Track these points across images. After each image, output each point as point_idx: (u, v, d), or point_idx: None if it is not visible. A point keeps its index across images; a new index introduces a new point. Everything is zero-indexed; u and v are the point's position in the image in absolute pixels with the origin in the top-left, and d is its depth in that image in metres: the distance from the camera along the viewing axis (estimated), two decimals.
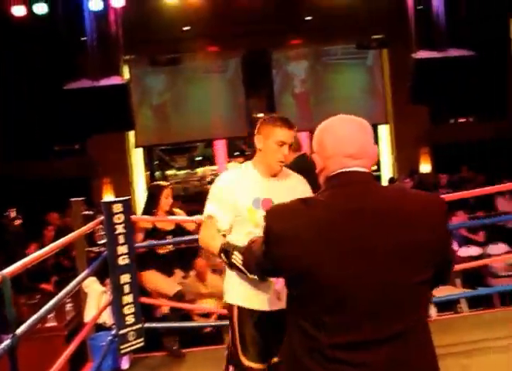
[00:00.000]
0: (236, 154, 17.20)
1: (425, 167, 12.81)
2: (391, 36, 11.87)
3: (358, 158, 1.59)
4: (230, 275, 2.67)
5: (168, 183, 5.09)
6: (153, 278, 4.69)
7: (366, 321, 1.46)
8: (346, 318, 1.47)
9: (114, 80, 8.16)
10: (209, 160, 15.90)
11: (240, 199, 2.60)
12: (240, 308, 2.67)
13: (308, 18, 11.88)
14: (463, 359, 3.69)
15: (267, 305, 2.62)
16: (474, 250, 7.30)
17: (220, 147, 14.59)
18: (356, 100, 13.67)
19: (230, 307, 2.73)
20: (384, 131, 13.95)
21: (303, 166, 3.44)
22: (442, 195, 6.26)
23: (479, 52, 8.44)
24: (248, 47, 12.50)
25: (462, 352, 3.79)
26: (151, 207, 4.75)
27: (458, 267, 6.55)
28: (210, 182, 16.42)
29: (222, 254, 2.52)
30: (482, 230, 7.74)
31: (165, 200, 4.71)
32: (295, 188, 2.69)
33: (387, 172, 13.74)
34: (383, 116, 13.64)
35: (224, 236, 2.65)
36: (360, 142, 1.61)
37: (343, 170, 1.59)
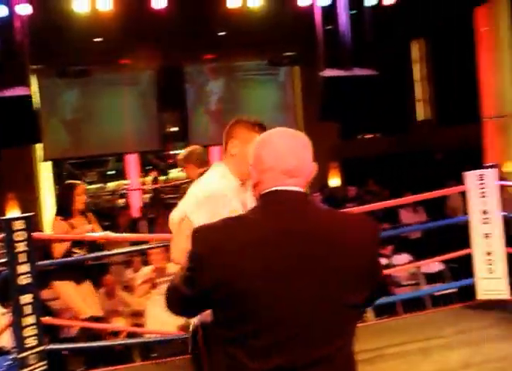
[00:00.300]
0: (148, 168, 17.01)
1: (334, 181, 13.21)
2: (302, 54, 12.21)
3: (295, 175, 1.53)
4: None
5: (81, 181, 5.19)
6: (68, 294, 4.60)
7: (295, 344, 1.42)
8: (276, 341, 1.42)
9: (18, 91, 7.83)
10: (121, 174, 15.59)
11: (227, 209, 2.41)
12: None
13: (222, 33, 11.98)
14: (367, 366, 3.81)
15: None
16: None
17: (132, 161, 14.31)
18: (268, 115, 13.91)
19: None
20: None
21: None
22: (350, 209, 6.52)
23: (382, 72, 8.86)
24: (161, 61, 12.43)
25: (365, 359, 3.92)
26: (65, 206, 4.80)
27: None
28: (123, 196, 16.12)
29: None
30: (389, 243, 8.08)
31: (79, 197, 4.82)
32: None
33: None
34: None
35: None
36: (299, 159, 1.55)
37: (278, 188, 1.52)
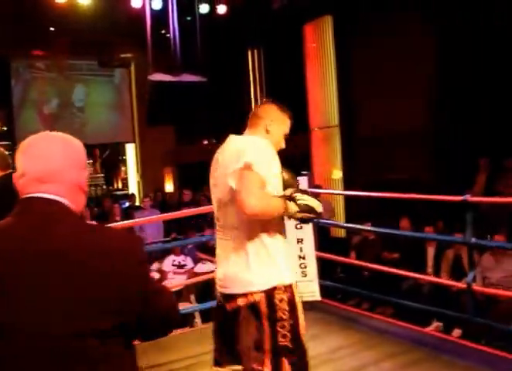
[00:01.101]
0: None
1: (169, 186, 13.19)
2: (136, 56, 12.02)
3: (48, 181, 1.39)
4: (276, 253, 2.39)
5: None
6: None
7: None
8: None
9: None
10: None
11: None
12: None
13: (52, 29, 11.36)
14: None
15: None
16: (208, 267, 7.67)
17: None
18: (103, 117, 13.52)
19: (286, 288, 2.38)
20: (131, 149, 14.04)
21: (8, 186, 3.25)
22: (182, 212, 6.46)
23: (216, 79, 9.01)
24: None
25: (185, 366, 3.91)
26: None
27: (190, 281, 6.87)
28: None
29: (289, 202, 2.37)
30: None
31: None
32: None
33: (133, 190, 13.82)
34: (130, 134, 13.71)
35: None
36: (56, 164, 1.40)
37: (28, 195, 1.39)
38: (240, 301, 2.38)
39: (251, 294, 2.35)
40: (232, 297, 2.41)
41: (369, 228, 6.49)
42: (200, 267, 7.85)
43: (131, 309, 1.37)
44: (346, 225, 7.96)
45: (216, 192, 2.49)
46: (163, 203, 10.90)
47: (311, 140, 10.53)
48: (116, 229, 1.54)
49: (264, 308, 2.33)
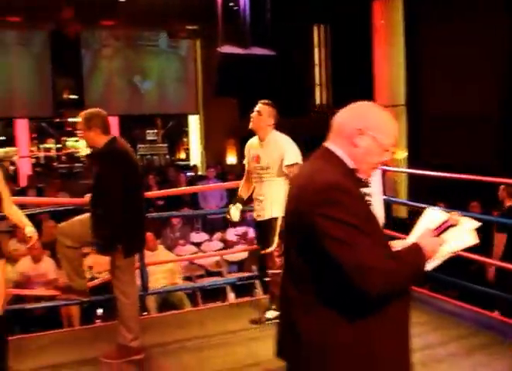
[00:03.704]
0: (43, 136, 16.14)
1: (231, 158, 13.30)
2: (204, 28, 12.08)
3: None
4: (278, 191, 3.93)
5: None
6: None
7: None
8: None
9: None
10: (11, 141, 14.62)
11: None
12: None
13: (123, 0, 11.56)
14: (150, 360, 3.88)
15: None
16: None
17: (22, 127, 13.50)
18: (167, 87, 13.73)
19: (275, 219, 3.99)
20: (194, 121, 14.20)
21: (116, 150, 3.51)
22: None
23: (282, 53, 8.96)
24: (56, 22, 11.76)
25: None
26: None
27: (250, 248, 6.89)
28: (13, 164, 15.17)
29: None
30: None
31: None
32: None
33: (195, 161, 14.02)
34: (194, 106, 13.87)
35: None
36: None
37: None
38: None
39: None
40: None
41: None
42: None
43: None
44: (418, 204, 7.79)
45: None
46: (224, 174, 11.04)
47: None
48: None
49: None
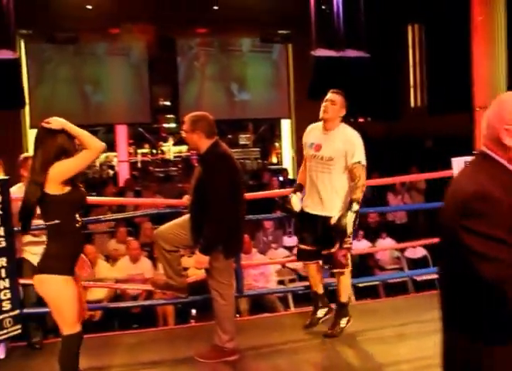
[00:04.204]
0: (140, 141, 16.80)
1: None
2: (296, 32, 12.09)
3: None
4: (341, 187, 3.86)
5: None
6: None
7: None
8: None
9: (4, 54, 7.66)
10: (111, 146, 15.37)
11: None
12: None
13: (215, 8, 11.84)
14: (344, 347, 3.84)
15: None
16: (364, 244, 7.63)
17: (122, 132, 14.17)
18: (260, 92, 13.85)
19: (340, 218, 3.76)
20: (286, 125, 14.23)
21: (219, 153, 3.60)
22: None
23: (376, 55, 8.78)
24: (153, 33, 12.25)
25: (343, 340, 3.95)
26: None
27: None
28: (112, 168, 15.98)
29: None
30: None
31: None
32: None
33: (286, 165, 14.06)
34: (286, 110, 13.89)
35: None
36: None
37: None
38: None
39: None
40: None
41: None
42: (355, 245, 7.82)
43: None
44: None
45: None
46: None
47: (475, 120, 9.93)
48: None
49: None
